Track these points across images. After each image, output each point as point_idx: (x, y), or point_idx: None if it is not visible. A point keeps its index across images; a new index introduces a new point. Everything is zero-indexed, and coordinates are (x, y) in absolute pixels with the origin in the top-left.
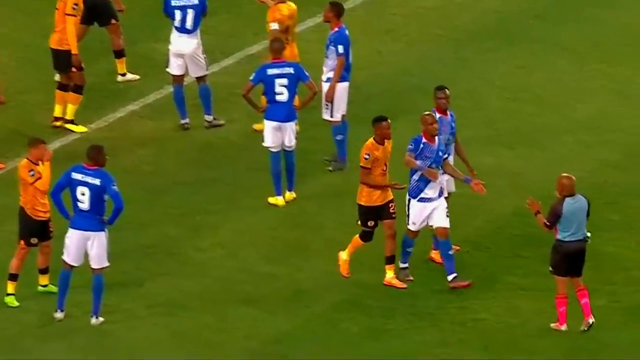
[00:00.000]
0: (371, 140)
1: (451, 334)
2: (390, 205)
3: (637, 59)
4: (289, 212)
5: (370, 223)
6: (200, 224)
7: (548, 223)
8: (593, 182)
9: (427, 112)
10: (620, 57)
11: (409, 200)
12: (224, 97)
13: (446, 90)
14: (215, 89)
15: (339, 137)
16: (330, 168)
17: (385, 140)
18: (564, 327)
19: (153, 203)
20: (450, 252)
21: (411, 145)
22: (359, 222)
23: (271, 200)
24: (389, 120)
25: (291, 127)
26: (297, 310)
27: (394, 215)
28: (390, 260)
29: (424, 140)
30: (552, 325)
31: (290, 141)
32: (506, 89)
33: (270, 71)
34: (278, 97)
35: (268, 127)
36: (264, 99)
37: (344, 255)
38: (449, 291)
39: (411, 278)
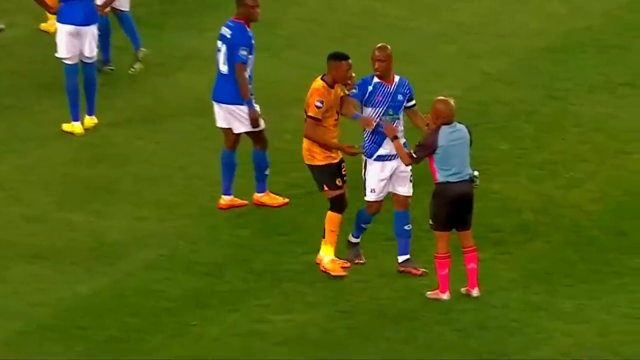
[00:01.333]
0: (321, 82)
1: (298, 296)
2: (343, 165)
3: None
4: (88, 142)
5: (339, 182)
6: None
7: (415, 155)
8: (478, 101)
9: (380, 45)
10: None
11: (365, 162)
12: None
13: None
14: None
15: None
16: (136, 65)
17: (335, 83)
18: (445, 296)
19: None
20: (407, 228)
21: (355, 89)
22: (325, 188)
23: (66, 127)
24: (350, 60)
25: (92, 33)
26: (100, 269)
27: (345, 178)
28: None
29: (375, 80)
30: (429, 293)
31: (91, 51)
32: None
33: None
34: None
35: (62, 33)
36: None
37: (327, 256)
38: (293, 242)
39: (363, 260)
